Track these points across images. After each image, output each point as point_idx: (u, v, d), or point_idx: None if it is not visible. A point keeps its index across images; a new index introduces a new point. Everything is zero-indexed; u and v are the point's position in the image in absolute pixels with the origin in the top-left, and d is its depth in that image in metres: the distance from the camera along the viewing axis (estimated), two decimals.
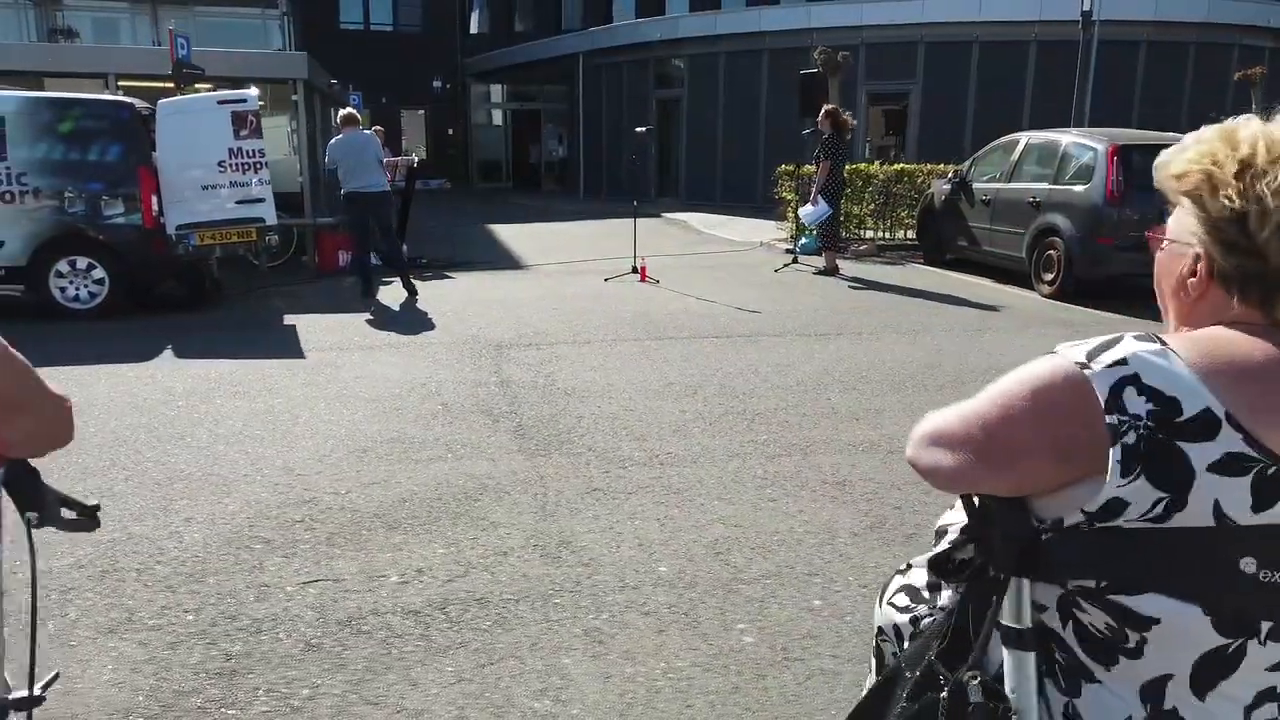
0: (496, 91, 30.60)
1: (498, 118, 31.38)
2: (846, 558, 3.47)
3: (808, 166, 12.28)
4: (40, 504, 1.35)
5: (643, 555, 3.47)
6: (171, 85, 10.16)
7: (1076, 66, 14.14)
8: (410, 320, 8.35)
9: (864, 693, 1.60)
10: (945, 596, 1.54)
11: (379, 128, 13.98)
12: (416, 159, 12.50)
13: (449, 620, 2.97)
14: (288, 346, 7.21)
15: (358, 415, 5.26)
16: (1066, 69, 16.17)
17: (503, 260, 12.83)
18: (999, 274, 10.72)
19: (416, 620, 2.96)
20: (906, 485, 4.20)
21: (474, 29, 30.50)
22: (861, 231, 13.79)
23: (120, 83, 11.18)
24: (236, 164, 8.55)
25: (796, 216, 12.35)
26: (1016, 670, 1.26)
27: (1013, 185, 10.43)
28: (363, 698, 2.56)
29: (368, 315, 8.60)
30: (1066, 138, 10.03)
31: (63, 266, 8.28)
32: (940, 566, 1.53)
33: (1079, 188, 9.40)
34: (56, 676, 1.47)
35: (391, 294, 9.66)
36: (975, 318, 8.55)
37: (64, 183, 8.18)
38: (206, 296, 9.32)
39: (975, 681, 1.30)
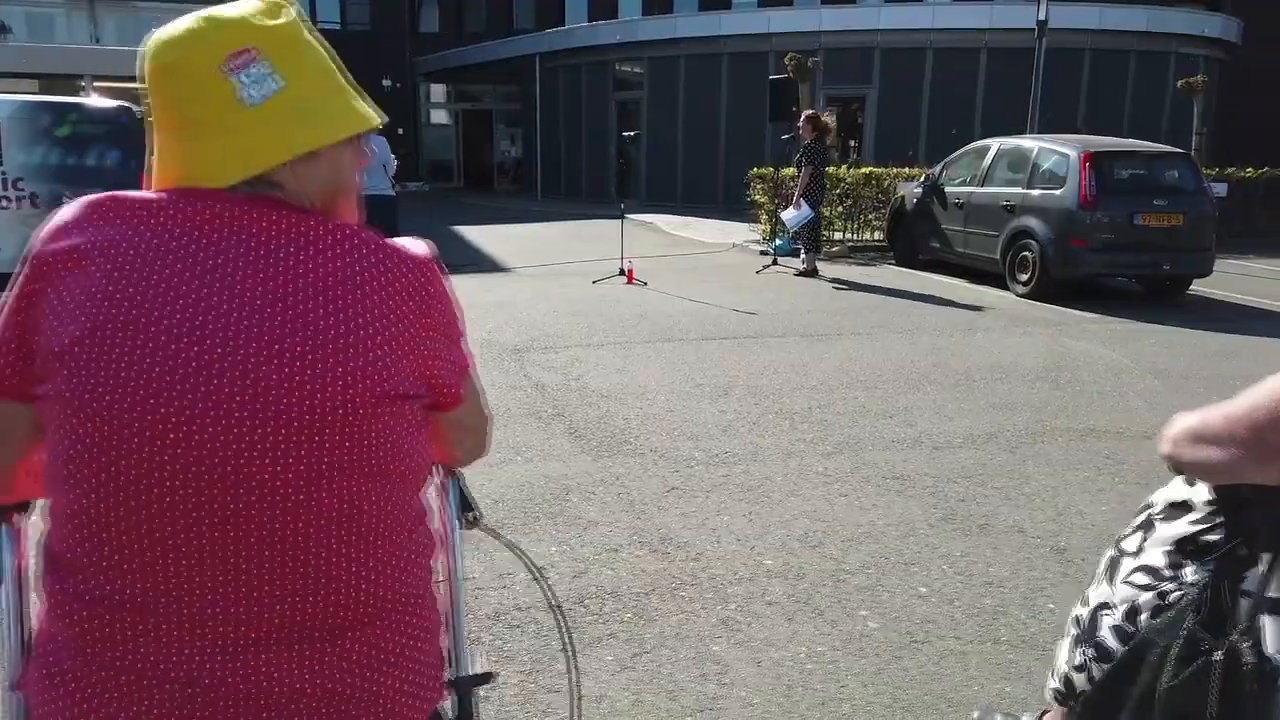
0: (448, 92, 30.45)
1: (449, 118, 31.22)
2: (933, 547, 3.73)
3: (787, 170, 12.60)
4: (473, 505, 1.50)
5: (744, 549, 3.68)
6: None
7: (1032, 73, 14.72)
8: None
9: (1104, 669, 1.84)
10: (1189, 573, 1.77)
11: None
12: (396, 162, 12.47)
13: (591, 614, 3.14)
14: None
15: None
16: (1015, 75, 16.82)
17: (484, 263, 12.90)
18: (972, 275, 11.17)
19: (560, 615, 3.12)
20: (961, 480, 4.48)
21: (424, 28, 30.30)
22: (831, 234, 14.18)
23: (97, 85, 10.99)
24: None
25: (775, 219, 12.66)
26: None
27: (986, 189, 10.87)
28: (540, 686, 2.72)
29: None
30: (1038, 144, 10.50)
31: None
32: (1187, 547, 1.77)
33: (1053, 192, 9.87)
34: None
35: None
36: (963, 318, 8.93)
37: (62, 188, 8.06)
38: None
39: (1248, 644, 1.54)
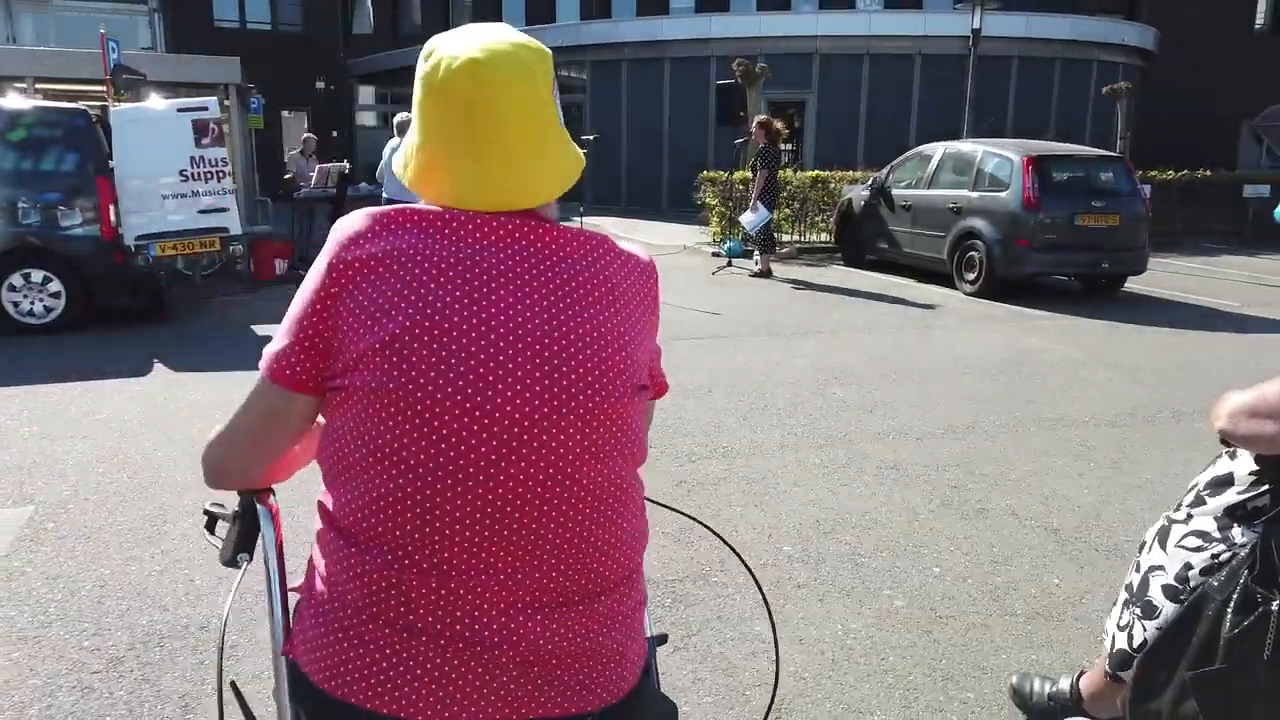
0: (384, 94, 30.11)
1: (385, 121, 30.83)
2: (937, 531, 3.95)
3: (740, 173, 12.86)
4: None
5: (762, 537, 3.86)
6: (103, 89, 9.85)
7: (964, 79, 15.26)
8: None
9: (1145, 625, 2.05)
10: (1238, 535, 1.99)
11: (309, 135, 13.79)
12: (348, 166, 12.41)
13: None
14: None
15: None
16: (948, 81, 17.40)
17: None
18: (919, 274, 11.56)
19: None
20: (950, 468, 4.73)
21: (357, 30, 29.91)
22: (780, 235, 14.49)
23: (38, 86, 10.71)
24: (199, 173, 8.41)
25: (727, 222, 12.91)
26: None
27: (933, 192, 11.27)
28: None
29: None
30: (982, 148, 10.93)
31: (16, 280, 7.96)
32: (1236, 513, 2.00)
33: (998, 194, 10.29)
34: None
35: None
36: (919, 315, 9.27)
37: (16, 193, 7.87)
38: (168, 309, 9.07)
39: None
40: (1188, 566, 2.05)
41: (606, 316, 1.20)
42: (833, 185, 14.19)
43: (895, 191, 11.90)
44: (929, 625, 3.16)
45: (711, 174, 14.37)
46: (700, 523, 1.87)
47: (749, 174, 12.12)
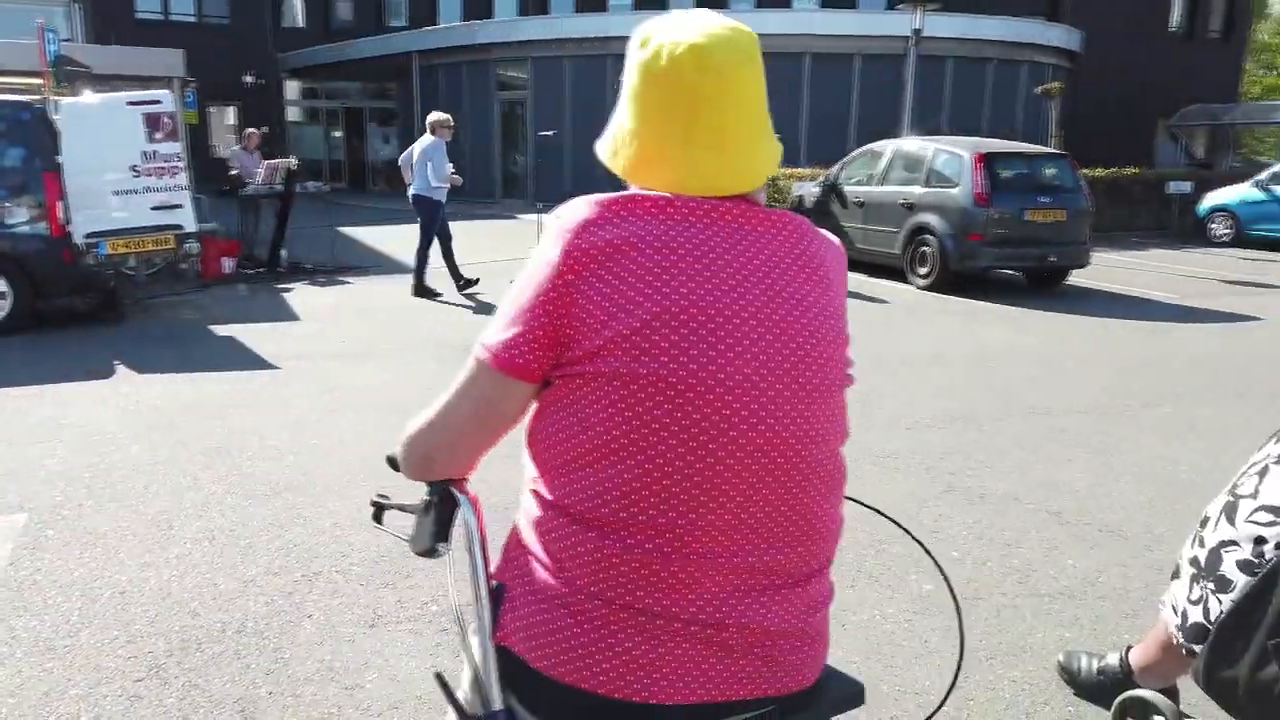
0: (315, 88, 29.48)
1: (316, 116, 30.22)
2: (948, 517, 4.06)
3: None
4: None
5: None
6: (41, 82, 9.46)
7: (901, 78, 15.58)
8: (359, 327, 8.26)
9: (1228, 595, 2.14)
10: None
11: (253, 130, 13.43)
12: (295, 162, 12.12)
13: None
14: (249, 358, 7.02)
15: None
16: (886, 80, 17.74)
17: (388, 265, 12.69)
18: (871, 269, 11.77)
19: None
20: (947, 456, 4.85)
21: (286, 23, 29.23)
22: None
23: None
24: (151, 168, 8.16)
25: None
26: None
27: (884, 189, 11.49)
28: None
29: (304, 323, 8.44)
30: (933, 145, 11.18)
31: None
32: None
33: (949, 191, 10.54)
34: None
35: (305, 299, 9.46)
36: (878, 310, 9.45)
37: None
38: (119, 309, 8.75)
39: None
40: (1261, 540, 2.14)
41: (822, 296, 1.22)
42: (780, 183, 14.36)
43: (847, 188, 12.10)
44: (963, 607, 3.24)
45: None
46: (890, 519, 1.82)
47: None
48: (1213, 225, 16.37)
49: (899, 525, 1.85)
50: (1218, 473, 4.56)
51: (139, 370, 6.56)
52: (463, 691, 1.37)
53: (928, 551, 1.81)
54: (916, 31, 15.09)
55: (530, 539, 1.24)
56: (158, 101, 8.23)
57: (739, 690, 1.21)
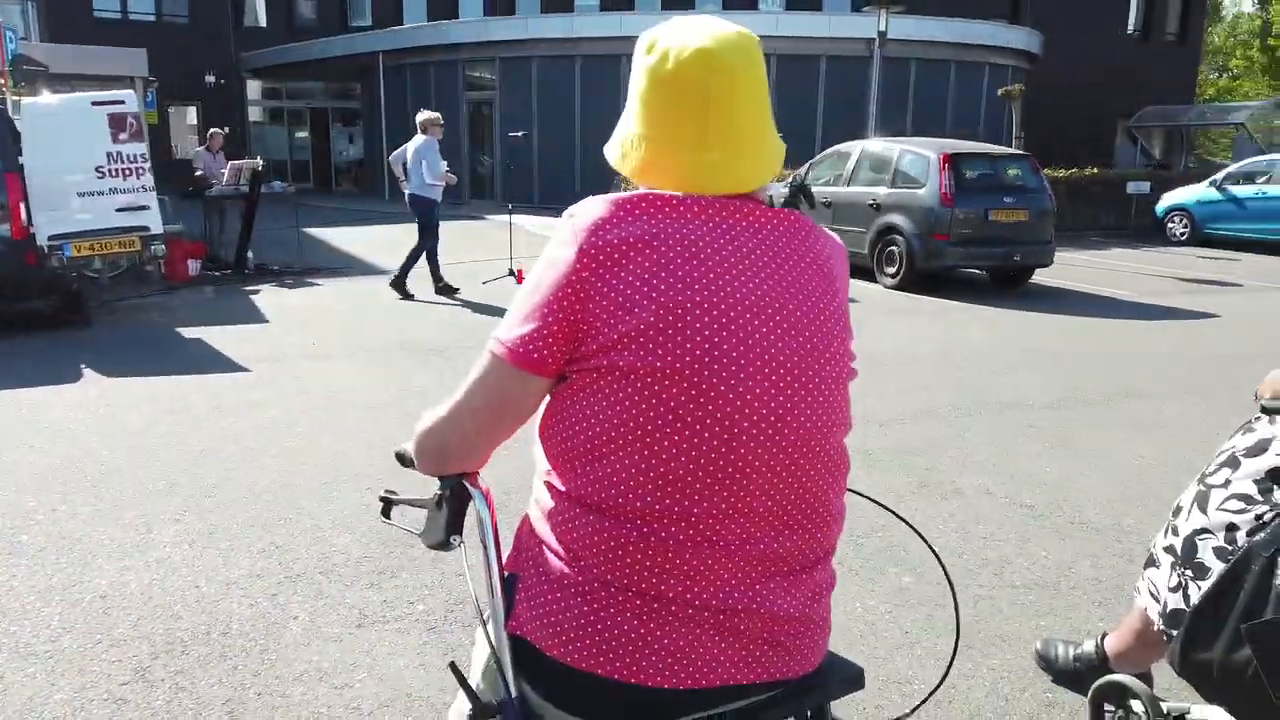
0: (278, 88, 29.16)
1: (279, 117, 29.89)
2: (922, 511, 4.13)
3: None
4: None
5: None
6: None
7: (870, 80, 15.75)
8: (329, 328, 8.20)
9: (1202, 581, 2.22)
10: (1279, 495, 2.17)
11: (216, 131, 13.28)
12: (261, 163, 12.00)
13: None
14: (219, 361, 6.95)
15: (393, 426, 5.33)
16: (850, 82, 17.90)
17: (357, 266, 12.63)
18: None
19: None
20: (919, 452, 4.93)
21: (249, 22, 28.89)
22: None
23: None
24: (116, 169, 8.05)
25: None
26: None
27: (852, 189, 11.62)
28: None
29: (272, 325, 8.37)
30: (899, 146, 11.32)
31: None
32: (1278, 475, 2.17)
33: (915, 191, 10.68)
34: None
35: (273, 301, 9.38)
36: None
37: None
38: (84, 312, 8.61)
39: None
40: (1233, 528, 2.22)
41: (827, 291, 1.26)
42: None
43: (815, 189, 12.18)
44: (941, 599, 3.31)
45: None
46: (890, 510, 1.87)
47: None
48: (1171, 224, 16.71)
49: (897, 515, 1.91)
50: (1182, 465, 4.69)
51: (108, 374, 6.48)
52: (475, 680, 1.39)
53: (924, 539, 1.86)
54: (881, 33, 15.25)
55: (543, 529, 1.27)
56: (121, 102, 8.12)
57: (749, 674, 1.25)
